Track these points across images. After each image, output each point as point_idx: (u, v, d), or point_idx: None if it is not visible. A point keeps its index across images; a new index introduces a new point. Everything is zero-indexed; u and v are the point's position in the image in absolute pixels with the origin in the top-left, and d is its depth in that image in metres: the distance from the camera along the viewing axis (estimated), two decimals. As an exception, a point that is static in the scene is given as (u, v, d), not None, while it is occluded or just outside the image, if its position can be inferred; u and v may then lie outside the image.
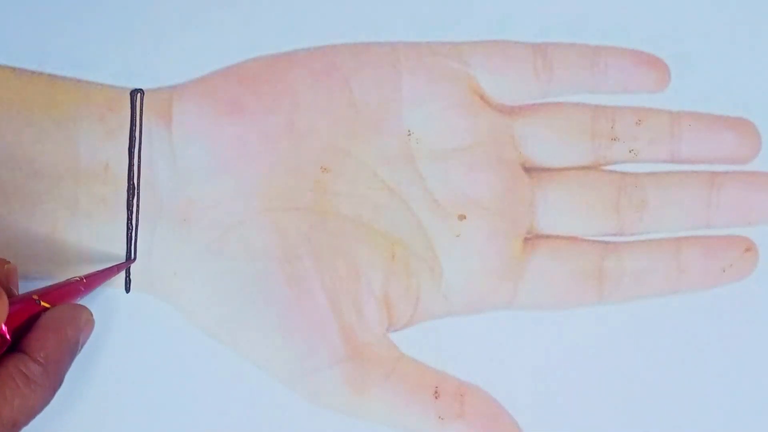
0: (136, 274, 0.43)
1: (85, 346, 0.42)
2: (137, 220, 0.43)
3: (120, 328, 0.43)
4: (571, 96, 0.45)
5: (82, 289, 0.40)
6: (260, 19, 0.44)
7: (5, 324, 0.36)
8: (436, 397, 0.43)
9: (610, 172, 0.45)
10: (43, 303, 0.38)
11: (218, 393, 0.43)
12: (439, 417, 0.43)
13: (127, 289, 0.43)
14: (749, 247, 0.44)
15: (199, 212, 0.43)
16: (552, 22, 0.44)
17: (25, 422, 0.37)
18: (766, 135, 0.45)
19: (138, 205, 0.43)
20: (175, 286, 0.43)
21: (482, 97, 0.44)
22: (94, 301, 0.42)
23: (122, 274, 0.43)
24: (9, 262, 0.40)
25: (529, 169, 0.45)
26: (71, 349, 0.39)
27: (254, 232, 0.43)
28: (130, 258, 0.42)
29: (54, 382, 0.38)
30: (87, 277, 0.41)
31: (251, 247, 0.43)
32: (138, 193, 0.43)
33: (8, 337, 0.37)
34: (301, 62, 0.44)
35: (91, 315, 0.40)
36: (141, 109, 0.43)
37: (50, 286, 0.40)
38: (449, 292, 0.44)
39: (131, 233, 0.43)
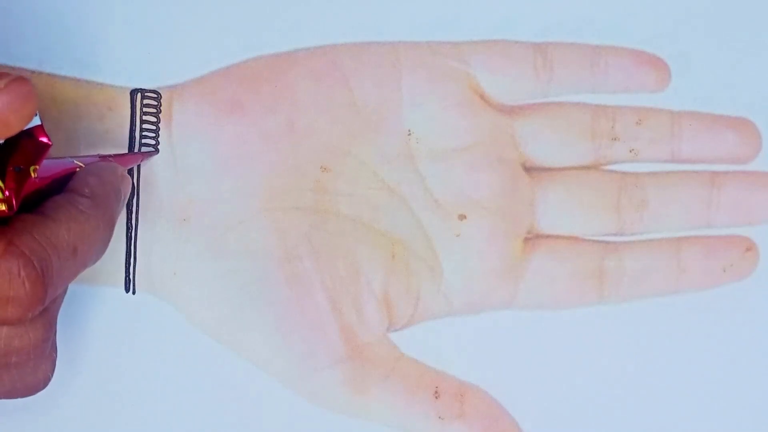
0: (137, 274, 0.43)
1: (85, 346, 0.42)
2: (137, 220, 0.43)
3: (120, 328, 0.43)
4: (572, 96, 0.45)
5: (112, 160, 0.40)
6: (260, 19, 0.44)
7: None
8: (436, 397, 0.43)
9: (611, 171, 0.45)
10: (77, 162, 0.38)
11: (218, 393, 0.43)
12: (439, 417, 0.43)
13: (127, 289, 0.43)
14: (750, 247, 0.44)
15: (199, 212, 0.43)
16: (552, 21, 0.44)
17: (85, 253, 0.36)
18: (767, 135, 0.45)
19: (138, 205, 0.43)
20: (175, 286, 0.43)
21: (482, 97, 0.44)
22: (94, 301, 0.42)
23: (122, 274, 0.43)
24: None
25: (529, 169, 0.44)
26: (114, 192, 0.38)
27: (254, 231, 0.43)
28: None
29: (105, 216, 0.37)
30: (116, 155, 0.41)
31: (251, 247, 0.43)
32: (138, 193, 0.43)
33: (48, 141, 0.36)
34: (301, 62, 0.44)
35: (127, 173, 0.40)
36: (141, 109, 0.43)
37: (83, 155, 0.39)
38: (449, 292, 0.44)
39: (131, 233, 0.43)
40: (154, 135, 0.43)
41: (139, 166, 0.43)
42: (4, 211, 0.34)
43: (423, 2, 0.44)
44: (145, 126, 0.43)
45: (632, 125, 0.44)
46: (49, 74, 0.43)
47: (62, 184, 0.37)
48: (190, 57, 0.43)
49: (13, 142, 0.35)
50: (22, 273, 0.33)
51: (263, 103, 0.43)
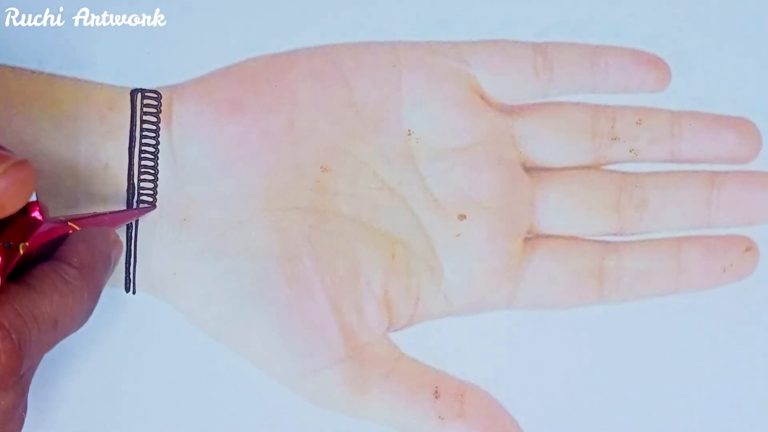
0: (137, 274, 0.43)
1: (85, 346, 0.42)
2: (137, 220, 0.43)
3: (120, 328, 0.43)
4: (572, 96, 0.45)
5: (107, 220, 0.40)
6: (260, 18, 0.44)
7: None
8: (436, 397, 0.43)
9: (611, 171, 0.45)
10: (71, 224, 0.38)
11: (218, 393, 0.43)
12: (439, 417, 0.43)
13: (128, 289, 0.43)
14: (749, 247, 0.44)
15: (199, 212, 0.43)
16: (552, 21, 0.44)
17: (66, 325, 0.36)
18: (767, 135, 0.45)
19: (138, 205, 0.43)
20: (175, 286, 0.43)
21: (482, 97, 0.44)
22: (94, 301, 0.42)
23: (122, 274, 0.43)
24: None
25: (529, 169, 0.44)
26: (104, 260, 0.38)
27: (254, 231, 0.43)
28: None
29: (90, 287, 0.37)
30: (112, 213, 0.41)
31: (251, 247, 0.43)
32: (138, 193, 0.43)
33: (41, 217, 0.36)
34: (301, 62, 0.44)
35: (119, 238, 0.40)
36: (141, 109, 0.43)
37: (78, 215, 0.39)
38: (449, 291, 0.44)
39: (131, 233, 0.43)
40: (154, 135, 0.43)
41: (139, 165, 0.43)
42: None
43: (423, 2, 0.44)
44: (145, 126, 0.43)
45: (632, 125, 0.44)
46: (49, 74, 0.43)
47: (52, 247, 0.37)
48: (190, 57, 0.43)
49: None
50: (0, 345, 0.33)
51: (263, 103, 0.43)
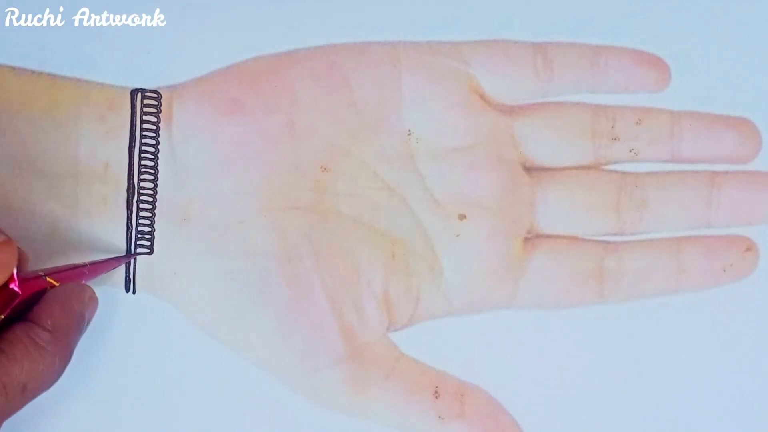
0: (137, 274, 0.43)
1: (85, 346, 0.42)
2: (137, 220, 0.43)
3: (120, 328, 0.43)
4: (572, 96, 0.45)
5: (86, 272, 0.40)
6: (260, 18, 0.44)
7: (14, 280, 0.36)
8: (436, 397, 0.43)
9: (611, 171, 0.45)
10: (49, 279, 0.38)
11: (218, 393, 0.43)
12: (439, 417, 0.43)
13: (128, 289, 0.43)
14: (749, 247, 0.44)
15: (199, 212, 0.43)
16: (552, 21, 0.44)
17: (35, 389, 0.36)
18: (767, 134, 0.45)
19: (138, 205, 0.43)
20: (175, 285, 0.43)
21: (482, 97, 0.44)
22: (94, 301, 0.43)
23: (123, 273, 0.43)
24: (21, 249, 0.40)
25: (529, 169, 0.44)
26: (78, 322, 0.39)
27: (254, 231, 0.43)
28: (133, 252, 0.42)
29: (62, 351, 0.37)
30: (92, 263, 0.41)
31: (251, 247, 0.43)
32: (138, 193, 0.43)
33: (18, 290, 0.36)
34: (301, 62, 0.44)
35: (95, 294, 0.40)
36: (141, 109, 0.43)
37: (56, 267, 0.40)
38: (449, 291, 0.44)
39: (131, 233, 0.43)
40: (154, 135, 0.43)
41: (139, 165, 0.43)
42: None
43: (423, 2, 0.44)
44: (145, 126, 0.43)
45: (632, 125, 0.44)
46: (49, 74, 0.43)
47: (30, 301, 0.37)
48: (190, 57, 0.43)
49: None
50: None
51: (263, 103, 0.43)
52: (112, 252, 0.43)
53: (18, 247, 0.39)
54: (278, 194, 0.43)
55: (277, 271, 0.43)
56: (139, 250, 0.43)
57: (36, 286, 0.38)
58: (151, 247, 0.43)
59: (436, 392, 0.43)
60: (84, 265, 0.40)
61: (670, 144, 0.44)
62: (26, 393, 0.36)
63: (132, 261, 0.43)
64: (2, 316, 0.36)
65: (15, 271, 0.37)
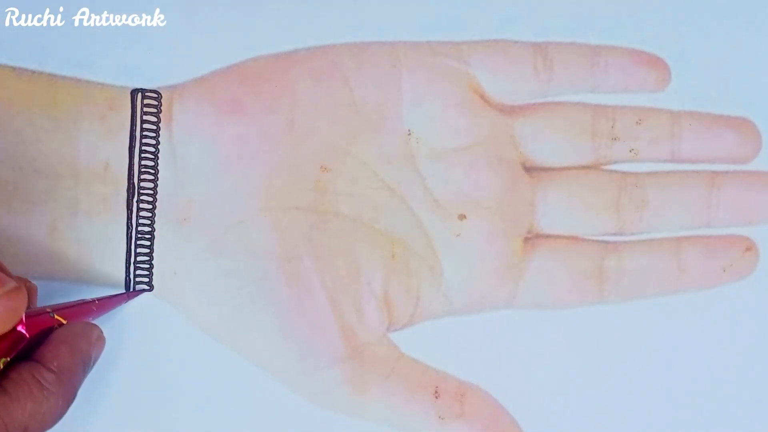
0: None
1: (86, 346, 0.42)
2: (137, 220, 0.43)
3: (120, 328, 0.43)
4: (572, 95, 0.45)
5: (94, 309, 0.41)
6: (260, 18, 0.44)
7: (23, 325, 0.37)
8: (436, 397, 0.43)
9: (611, 171, 0.45)
10: (56, 317, 0.38)
11: (219, 393, 0.43)
12: (439, 417, 0.43)
13: (128, 289, 0.43)
14: (749, 247, 0.44)
15: (199, 212, 0.43)
16: (552, 21, 0.44)
17: (37, 430, 0.36)
18: (767, 134, 0.45)
19: (138, 205, 0.43)
20: (175, 285, 0.43)
21: (482, 97, 0.44)
22: (94, 301, 0.43)
23: (122, 274, 0.43)
24: (30, 281, 0.40)
25: (529, 169, 0.45)
26: (84, 362, 0.39)
27: (254, 231, 0.43)
28: (136, 290, 0.43)
29: (66, 393, 0.37)
30: (100, 300, 0.41)
31: (251, 247, 0.43)
32: (138, 193, 0.43)
33: (26, 333, 0.37)
34: (301, 61, 0.44)
35: (102, 333, 0.40)
36: (141, 109, 0.43)
37: (64, 304, 0.40)
38: (449, 291, 0.44)
39: (131, 233, 0.43)
40: (154, 135, 0.43)
41: (139, 165, 0.43)
42: None
43: (423, 2, 0.44)
44: (145, 126, 0.43)
45: (632, 125, 0.44)
46: (49, 74, 0.43)
47: (38, 338, 0.37)
48: (190, 57, 0.43)
49: None
50: None
51: (263, 103, 0.43)
52: (111, 253, 0.43)
53: (27, 281, 0.39)
54: (278, 194, 0.43)
55: (277, 271, 0.43)
56: (139, 287, 0.43)
57: (43, 324, 0.38)
58: (150, 279, 0.43)
59: (436, 392, 0.43)
60: (92, 302, 0.41)
61: (670, 144, 0.44)
62: None
63: (132, 262, 0.43)
64: (8, 359, 0.36)
65: (23, 317, 0.37)
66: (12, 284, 0.35)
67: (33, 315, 0.38)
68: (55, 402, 0.37)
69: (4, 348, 0.36)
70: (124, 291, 0.42)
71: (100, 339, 0.40)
